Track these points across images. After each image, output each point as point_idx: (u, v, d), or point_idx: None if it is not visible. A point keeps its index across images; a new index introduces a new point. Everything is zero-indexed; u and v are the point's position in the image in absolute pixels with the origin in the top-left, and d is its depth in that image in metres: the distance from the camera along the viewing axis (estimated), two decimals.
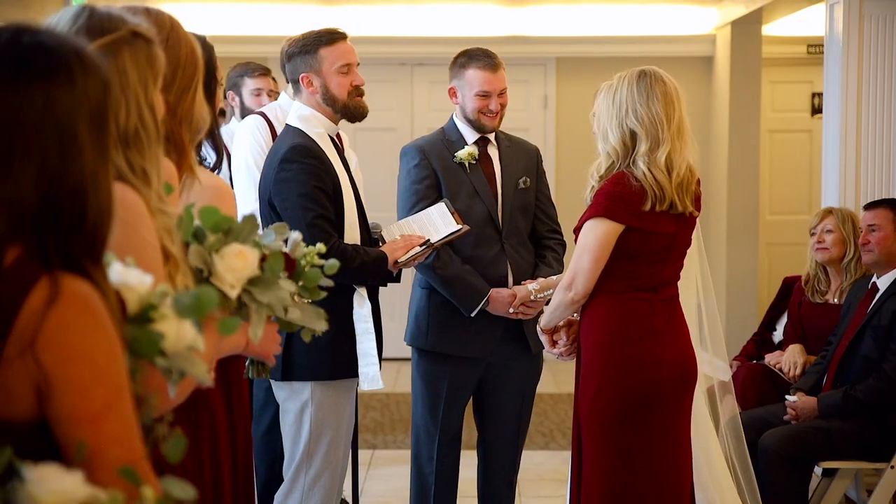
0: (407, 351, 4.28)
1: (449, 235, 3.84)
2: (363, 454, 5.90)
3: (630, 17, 8.09)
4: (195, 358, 1.62)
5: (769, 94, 8.35)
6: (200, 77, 2.26)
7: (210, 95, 2.39)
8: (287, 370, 3.59)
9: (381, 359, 3.66)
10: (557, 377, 7.64)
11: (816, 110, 8.44)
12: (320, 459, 3.59)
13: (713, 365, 4.05)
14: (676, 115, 3.30)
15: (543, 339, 3.62)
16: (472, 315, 4.00)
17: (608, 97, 3.34)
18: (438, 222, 3.85)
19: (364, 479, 5.57)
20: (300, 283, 2.29)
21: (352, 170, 4.67)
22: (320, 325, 2.29)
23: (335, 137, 3.79)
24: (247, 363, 2.57)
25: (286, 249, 2.32)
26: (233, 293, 1.97)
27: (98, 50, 1.76)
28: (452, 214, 3.85)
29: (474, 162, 4.12)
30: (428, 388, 4.15)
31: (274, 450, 4.33)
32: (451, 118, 4.23)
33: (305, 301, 2.32)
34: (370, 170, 7.94)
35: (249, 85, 5.38)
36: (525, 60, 8.23)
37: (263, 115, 4.55)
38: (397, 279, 3.80)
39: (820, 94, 8.40)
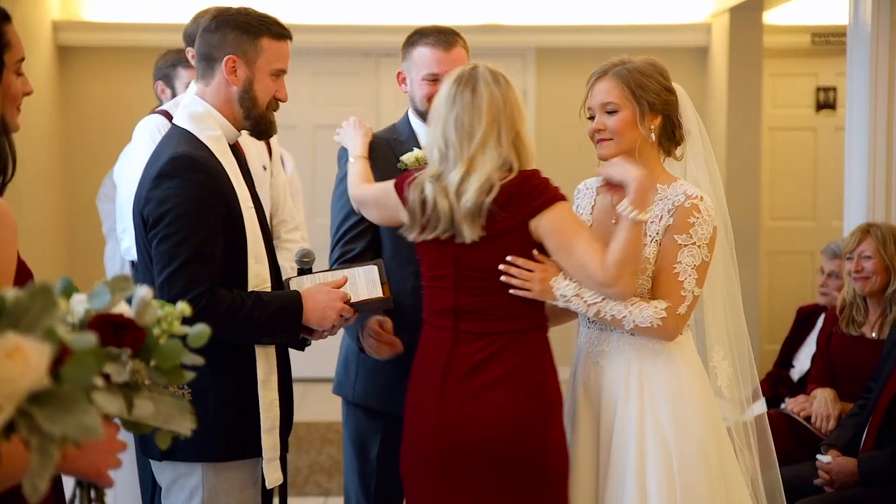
0: None
1: (369, 302, 3.00)
2: (314, 502, 5.13)
3: (617, 3, 7.61)
4: None
5: (770, 88, 7.85)
6: None
7: None
8: (170, 446, 2.75)
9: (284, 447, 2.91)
10: None
11: (821, 106, 7.99)
12: None
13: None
14: None
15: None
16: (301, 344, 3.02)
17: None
18: (361, 287, 3.01)
19: None
20: (152, 364, 1.61)
21: (287, 176, 3.88)
22: (184, 426, 1.65)
23: (237, 144, 3.02)
24: (73, 489, 1.75)
25: (131, 313, 1.64)
26: None
27: None
28: (382, 285, 3.02)
29: None
30: (357, 450, 3.41)
31: None
32: (406, 112, 3.46)
33: (163, 388, 1.67)
34: (328, 174, 7.25)
35: (184, 77, 4.50)
36: (502, 51, 7.64)
37: (165, 113, 3.72)
38: (302, 346, 2.97)
39: (825, 89, 7.88)
